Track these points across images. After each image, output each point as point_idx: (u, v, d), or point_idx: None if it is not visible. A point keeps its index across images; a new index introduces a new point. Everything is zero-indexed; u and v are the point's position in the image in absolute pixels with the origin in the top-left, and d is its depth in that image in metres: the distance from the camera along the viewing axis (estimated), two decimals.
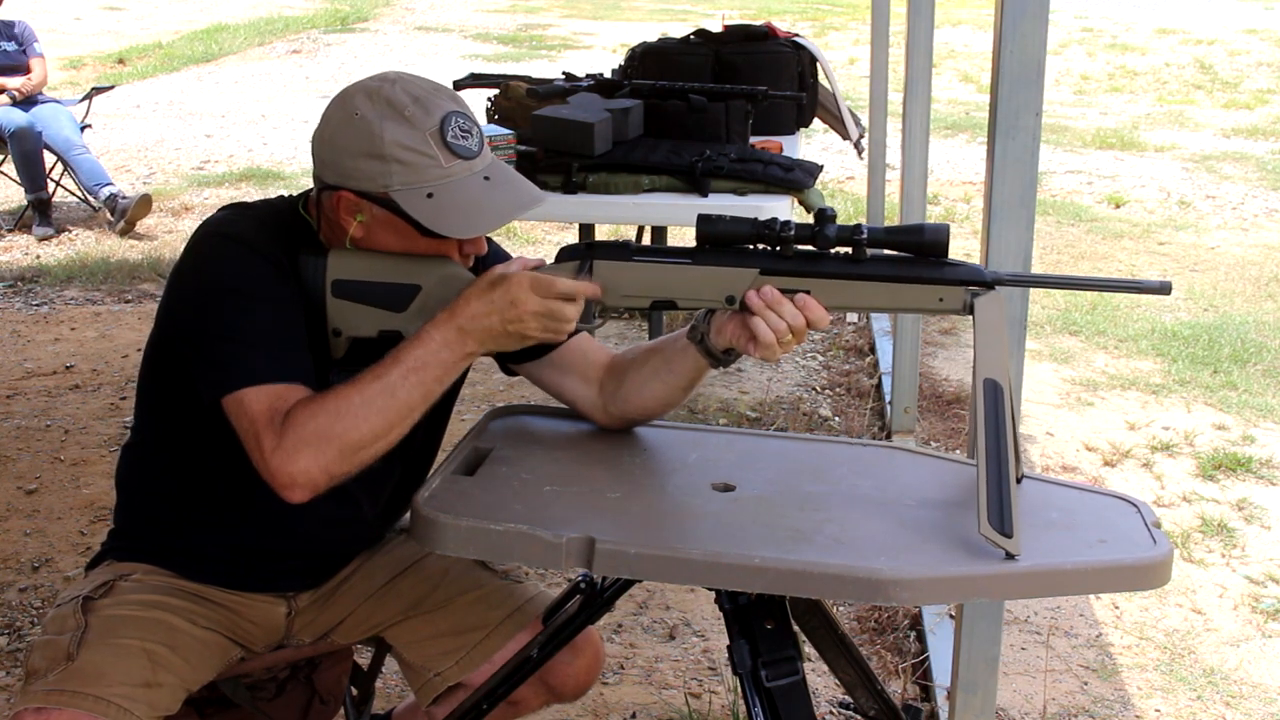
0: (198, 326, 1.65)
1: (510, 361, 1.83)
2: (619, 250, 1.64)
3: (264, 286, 1.64)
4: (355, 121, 1.64)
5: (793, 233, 1.57)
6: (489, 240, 1.89)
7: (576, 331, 1.81)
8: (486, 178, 1.67)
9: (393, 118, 1.62)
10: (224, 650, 1.82)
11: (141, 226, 6.36)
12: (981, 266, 1.57)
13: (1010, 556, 1.41)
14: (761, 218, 1.60)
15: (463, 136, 1.65)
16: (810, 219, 1.63)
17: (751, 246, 1.60)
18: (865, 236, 1.56)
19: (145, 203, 6.30)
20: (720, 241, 1.60)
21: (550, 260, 1.68)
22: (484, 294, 1.61)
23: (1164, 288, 1.54)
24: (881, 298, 1.58)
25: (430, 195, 1.62)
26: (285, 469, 1.54)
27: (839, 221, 1.58)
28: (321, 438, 1.55)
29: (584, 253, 1.64)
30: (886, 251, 1.57)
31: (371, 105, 1.64)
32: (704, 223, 1.60)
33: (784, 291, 1.57)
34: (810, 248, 1.58)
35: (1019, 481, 1.54)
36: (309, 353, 1.66)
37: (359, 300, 1.67)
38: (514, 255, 1.91)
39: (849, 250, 1.57)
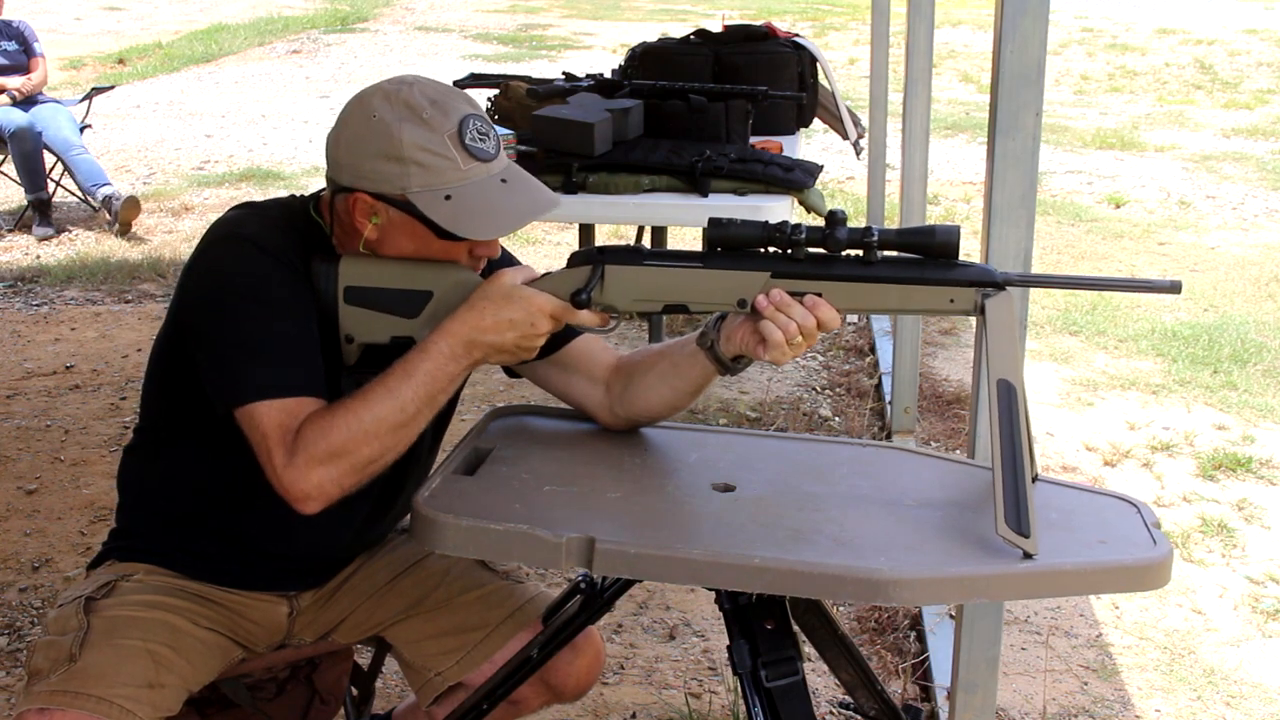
0: (210, 332, 1.65)
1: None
2: (631, 255, 1.63)
3: (277, 292, 1.64)
4: (373, 124, 1.63)
5: (803, 236, 1.56)
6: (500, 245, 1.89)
7: (576, 334, 1.82)
8: (503, 180, 1.66)
9: (411, 120, 1.62)
10: (226, 650, 1.82)
11: (141, 226, 6.36)
12: (992, 267, 1.57)
13: (1029, 556, 1.41)
14: (761, 218, 1.60)
15: (480, 139, 1.65)
16: (811, 219, 1.63)
17: (762, 249, 1.60)
18: (876, 239, 1.55)
19: (132, 204, 6.29)
20: (731, 245, 1.60)
21: (561, 266, 1.66)
22: (500, 309, 1.61)
23: (1174, 287, 1.54)
24: (893, 299, 1.57)
25: (448, 197, 1.62)
26: (298, 485, 1.56)
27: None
28: (333, 455, 1.56)
29: (596, 257, 1.63)
30: (895, 253, 1.57)
31: (390, 107, 1.63)
32: (714, 226, 1.59)
33: (794, 294, 1.57)
34: (821, 250, 1.58)
35: (1034, 481, 1.54)
36: (321, 359, 1.66)
37: (372, 307, 1.67)
38: (516, 256, 1.91)
39: (859, 252, 1.57)
